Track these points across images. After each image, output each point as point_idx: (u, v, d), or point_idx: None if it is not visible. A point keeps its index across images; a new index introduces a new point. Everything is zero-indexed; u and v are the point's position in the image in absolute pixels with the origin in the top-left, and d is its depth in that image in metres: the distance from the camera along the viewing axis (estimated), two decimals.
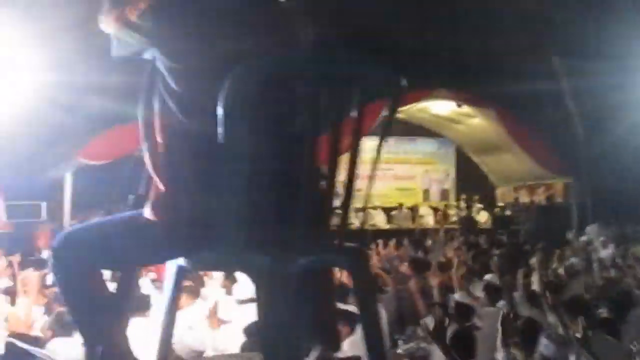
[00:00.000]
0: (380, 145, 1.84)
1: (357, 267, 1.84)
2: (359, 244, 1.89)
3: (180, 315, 5.11)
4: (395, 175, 17.61)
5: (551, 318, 4.82)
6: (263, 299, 1.88)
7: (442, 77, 12.88)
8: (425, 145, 18.35)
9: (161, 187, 1.73)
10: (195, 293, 5.88)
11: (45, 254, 10.37)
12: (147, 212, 1.74)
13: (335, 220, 1.87)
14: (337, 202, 1.86)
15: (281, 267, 1.68)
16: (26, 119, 12.94)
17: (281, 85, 1.73)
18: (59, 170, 14.07)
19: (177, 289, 1.95)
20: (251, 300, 5.58)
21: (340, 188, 1.84)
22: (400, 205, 16.80)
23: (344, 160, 1.83)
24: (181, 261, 1.86)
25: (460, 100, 14.57)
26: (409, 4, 10.68)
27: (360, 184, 1.84)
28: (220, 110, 1.60)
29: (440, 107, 15.63)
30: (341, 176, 1.83)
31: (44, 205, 13.83)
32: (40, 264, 7.47)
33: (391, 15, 10.63)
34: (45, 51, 11.52)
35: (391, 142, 16.03)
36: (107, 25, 1.86)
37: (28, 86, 11.71)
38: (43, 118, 12.83)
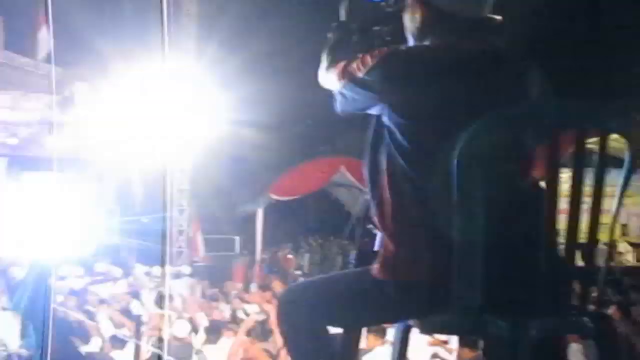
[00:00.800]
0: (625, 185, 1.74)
1: (603, 336, 1.67)
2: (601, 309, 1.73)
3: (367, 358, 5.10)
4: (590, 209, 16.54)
5: None
6: None
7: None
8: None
9: (391, 245, 1.68)
10: (382, 333, 5.79)
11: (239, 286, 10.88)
12: (376, 270, 1.70)
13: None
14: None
15: (519, 333, 1.57)
16: (223, 157, 13.80)
17: (516, 141, 1.64)
18: (252, 206, 14.80)
19: (404, 347, 1.89)
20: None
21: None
22: (596, 241, 15.70)
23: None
24: (409, 320, 1.80)
25: None
26: None
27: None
28: (453, 168, 1.53)
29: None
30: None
31: (237, 239, 14.59)
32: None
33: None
34: (238, 90, 12.25)
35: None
36: (329, 81, 1.87)
37: (224, 126, 12.48)
38: (238, 156, 13.62)
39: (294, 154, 13.48)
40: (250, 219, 15.16)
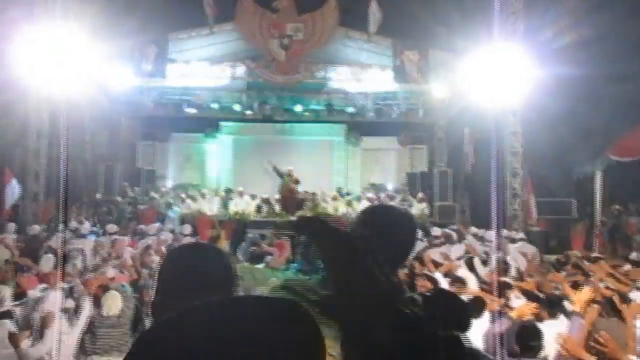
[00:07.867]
0: None
1: None
2: None
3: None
4: None
5: None
6: None
7: None
8: None
9: None
10: None
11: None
12: None
13: None
14: None
15: None
16: (556, 118, 13.25)
17: None
18: (589, 168, 13.99)
19: None
20: None
21: None
22: None
23: None
24: None
25: None
26: None
27: None
28: None
29: None
30: None
31: (574, 202, 13.90)
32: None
33: None
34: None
35: None
36: None
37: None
38: (572, 117, 12.96)
39: (635, 113, 12.33)
40: (587, 180, 14.41)
